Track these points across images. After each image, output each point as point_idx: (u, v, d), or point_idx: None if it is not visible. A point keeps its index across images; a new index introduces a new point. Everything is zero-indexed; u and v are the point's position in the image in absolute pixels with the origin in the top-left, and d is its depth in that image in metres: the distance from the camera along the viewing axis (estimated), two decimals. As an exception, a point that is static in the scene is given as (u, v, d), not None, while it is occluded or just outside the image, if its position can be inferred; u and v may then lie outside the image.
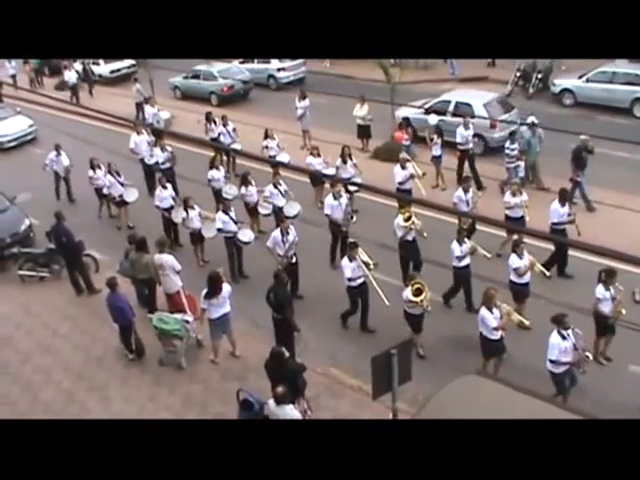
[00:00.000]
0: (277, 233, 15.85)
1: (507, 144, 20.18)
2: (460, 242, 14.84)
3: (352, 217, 17.67)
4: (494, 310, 12.54)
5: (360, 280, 14.57)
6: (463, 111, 22.67)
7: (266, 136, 22.20)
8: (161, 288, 15.79)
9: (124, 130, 27.26)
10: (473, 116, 21.91)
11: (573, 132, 21.07)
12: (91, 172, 21.26)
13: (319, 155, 20.36)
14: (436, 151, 21.24)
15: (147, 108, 27.04)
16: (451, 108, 23.99)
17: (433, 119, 22.03)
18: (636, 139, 18.52)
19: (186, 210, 17.88)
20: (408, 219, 15.64)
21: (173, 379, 14.39)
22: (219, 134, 23.81)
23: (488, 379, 9.91)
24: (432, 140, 21.17)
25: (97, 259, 18.47)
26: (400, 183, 18.71)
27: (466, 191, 16.97)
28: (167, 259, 15.27)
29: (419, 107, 24.67)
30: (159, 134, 23.14)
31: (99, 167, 21.22)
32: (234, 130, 23.79)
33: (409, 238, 15.97)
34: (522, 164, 20.11)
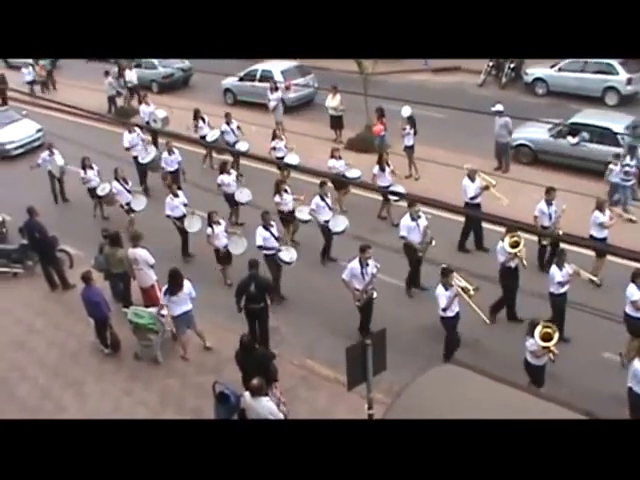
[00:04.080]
0: (355, 264, 13.94)
1: (627, 160, 18.30)
2: (560, 266, 13.32)
3: (431, 241, 15.50)
4: None
5: (457, 309, 13.25)
6: (266, 77, 28.25)
7: (274, 137, 21.38)
8: (136, 282, 15.74)
9: (101, 125, 27.37)
10: (275, 81, 26.67)
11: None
12: (82, 172, 20.51)
13: (341, 157, 19.39)
14: (408, 141, 21.30)
15: (142, 107, 25.60)
16: (258, 75, 29.30)
17: (406, 111, 21.98)
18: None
19: (211, 225, 16.40)
20: (515, 245, 13.88)
21: (149, 373, 14.37)
22: (222, 132, 22.78)
23: (463, 368, 9.95)
24: (404, 130, 21.19)
25: (71, 254, 18.29)
26: (472, 198, 16.76)
27: (549, 203, 15.42)
28: (141, 253, 15.21)
29: (238, 77, 29.20)
30: (155, 134, 22.46)
31: (90, 167, 20.48)
32: (238, 128, 22.93)
33: (512, 265, 14.23)
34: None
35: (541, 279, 14.74)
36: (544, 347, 11.58)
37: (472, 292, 13.02)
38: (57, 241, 17.74)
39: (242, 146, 21.73)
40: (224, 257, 16.80)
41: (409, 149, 21.39)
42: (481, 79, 29.44)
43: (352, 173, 19.02)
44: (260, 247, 15.65)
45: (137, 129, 22.37)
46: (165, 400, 13.50)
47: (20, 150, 27.11)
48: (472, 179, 16.83)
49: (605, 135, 20.26)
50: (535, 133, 21.95)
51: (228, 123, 22.79)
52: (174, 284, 13.86)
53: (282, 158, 20.64)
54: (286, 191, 17.62)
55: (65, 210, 21.92)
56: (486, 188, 16.74)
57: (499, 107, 21.14)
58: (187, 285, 13.98)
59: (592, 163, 20.34)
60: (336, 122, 24.94)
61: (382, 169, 18.53)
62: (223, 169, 19.30)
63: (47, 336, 15.95)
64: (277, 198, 17.57)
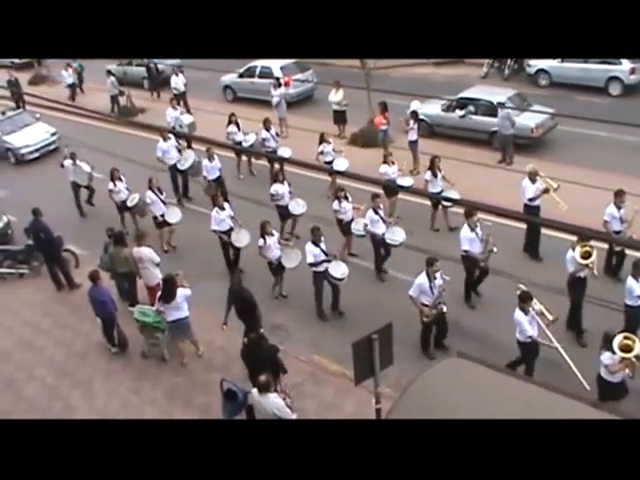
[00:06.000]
0: (423, 279, 13.21)
1: None
2: (637, 278, 12.47)
3: (493, 249, 14.51)
4: None
5: (535, 332, 12.15)
6: (265, 72, 28.92)
7: (322, 140, 20.08)
8: (141, 281, 15.75)
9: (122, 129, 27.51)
10: (277, 77, 26.78)
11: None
12: (111, 184, 19.14)
13: (394, 163, 18.30)
14: (412, 136, 21.25)
15: (168, 111, 24.12)
16: (257, 72, 29.67)
17: (416, 105, 21.97)
18: (612, 118, 18.55)
19: (263, 236, 15.34)
20: (587, 256, 12.92)
21: (156, 372, 14.39)
22: (263, 139, 21.40)
23: (471, 361, 9.93)
24: (408, 125, 21.14)
25: (77, 254, 18.34)
26: (531, 200, 15.89)
27: (619, 207, 14.43)
28: (145, 252, 15.24)
29: (238, 73, 30.18)
30: (184, 139, 21.90)
31: (119, 179, 19.16)
32: (277, 134, 22.02)
33: (581, 275, 13.34)
34: None
35: (608, 286, 14.46)
36: (624, 358, 10.76)
37: (551, 319, 12.17)
38: (62, 241, 17.76)
39: (284, 152, 20.47)
40: (276, 270, 15.86)
41: (413, 144, 21.29)
42: (484, 71, 29.41)
43: (404, 181, 18.20)
44: (311, 264, 14.90)
45: (172, 136, 21.23)
46: (173, 398, 13.51)
47: (35, 154, 26.75)
48: (533, 180, 15.98)
49: (488, 108, 22.37)
50: (430, 109, 24.04)
51: (267, 129, 21.50)
52: (167, 292, 13.69)
53: (330, 162, 19.82)
54: (346, 198, 16.66)
55: (70, 211, 21.83)
56: (546, 191, 15.85)
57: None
58: (181, 292, 13.72)
59: (477, 133, 22.85)
60: (339, 117, 24.89)
61: (434, 175, 17.57)
62: (276, 178, 18.19)
63: (54, 336, 15.99)
64: (335, 205, 16.68)
